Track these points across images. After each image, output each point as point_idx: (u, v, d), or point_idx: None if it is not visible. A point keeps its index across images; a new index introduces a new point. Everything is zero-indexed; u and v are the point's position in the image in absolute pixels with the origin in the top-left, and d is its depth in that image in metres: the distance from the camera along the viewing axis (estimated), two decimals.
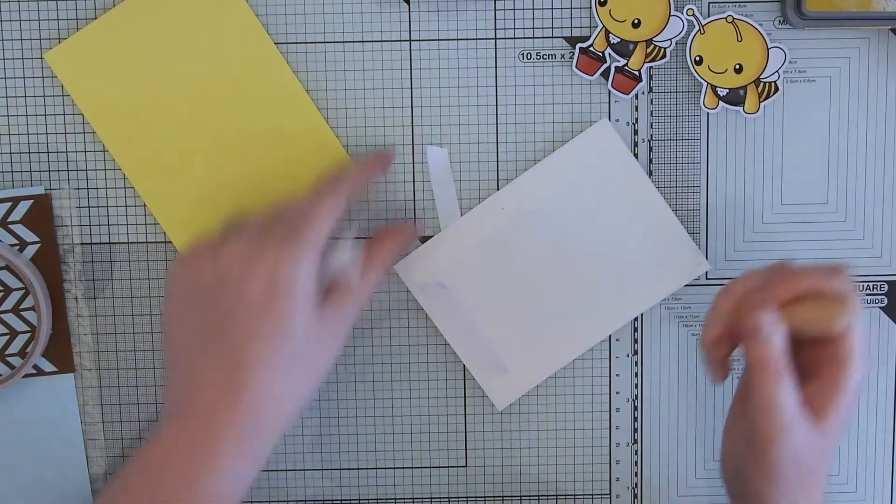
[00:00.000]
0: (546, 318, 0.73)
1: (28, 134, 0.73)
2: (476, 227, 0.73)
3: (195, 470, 0.62)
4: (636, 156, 0.73)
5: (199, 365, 0.64)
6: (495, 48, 0.72)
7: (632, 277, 0.73)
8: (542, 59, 0.72)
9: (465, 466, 0.76)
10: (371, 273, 0.68)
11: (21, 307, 0.73)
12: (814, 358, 0.64)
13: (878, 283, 0.74)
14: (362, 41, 0.72)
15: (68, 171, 0.73)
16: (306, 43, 0.72)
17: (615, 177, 0.72)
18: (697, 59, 0.71)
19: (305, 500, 0.76)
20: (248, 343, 0.63)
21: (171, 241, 0.73)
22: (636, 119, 0.73)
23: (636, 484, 0.76)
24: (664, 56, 0.71)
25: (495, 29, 0.72)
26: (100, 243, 0.73)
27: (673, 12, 0.71)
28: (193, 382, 0.64)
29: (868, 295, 0.74)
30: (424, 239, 0.73)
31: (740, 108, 0.72)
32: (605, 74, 0.72)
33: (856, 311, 0.62)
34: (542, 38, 0.72)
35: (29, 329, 0.73)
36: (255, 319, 0.63)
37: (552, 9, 0.72)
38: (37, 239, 0.73)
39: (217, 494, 0.62)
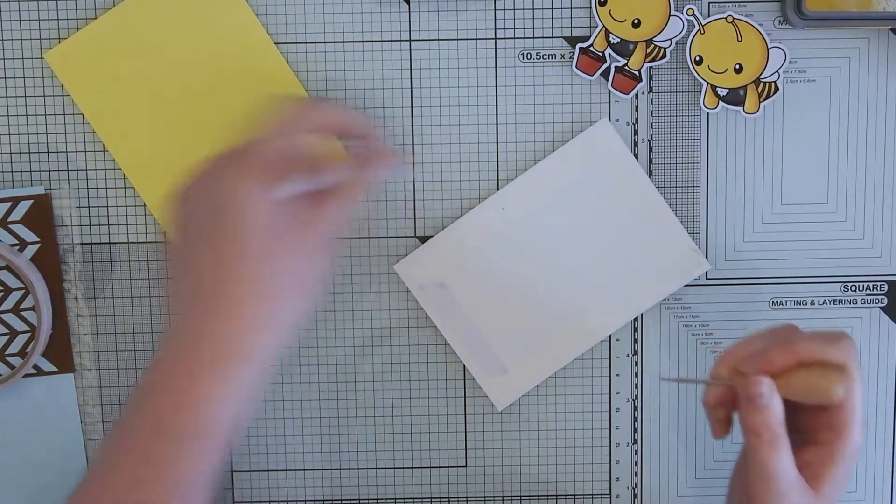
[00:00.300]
0: (546, 318, 0.73)
1: (28, 134, 0.73)
2: (476, 227, 0.73)
3: (184, 393, 0.61)
4: (636, 156, 0.73)
5: (184, 297, 0.63)
6: (495, 48, 0.72)
7: (631, 277, 0.73)
8: (542, 59, 0.72)
9: (465, 466, 0.76)
10: (355, 179, 0.66)
11: (21, 307, 0.73)
12: (812, 423, 0.63)
13: (878, 283, 0.74)
14: (362, 41, 0.72)
15: (68, 171, 0.73)
16: (306, 43, 0.72)
17: (615, 177, 0.72)
18: (697, 59, 0.71)
19: (305, 500, 0.76)
20: (220, 269, 0.62)
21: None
22: (636, 119, 0.73)
23: (636, 484, 0.76)
24: (664, 56, 0.71)
25: (495, 29, 0.72)
26: (100, 243, 0.73)
27: (673, 12, 0.71)
28: (182, 314, 0.63)
29: (868, 295, 0.74)
30: (424, 239, 0.73)
31: (740, 108, 0.72)
32: (605, 74, 0.72)
33: (855, 380, 0.62)
34: (542, 38, 0.72)
35: (29, 329, 0.73)
36: (219, 247, 0.62)
37: (552, 9, 0.72)
38: (37, 239, 0.73)
39: (207, 418, 0.62)
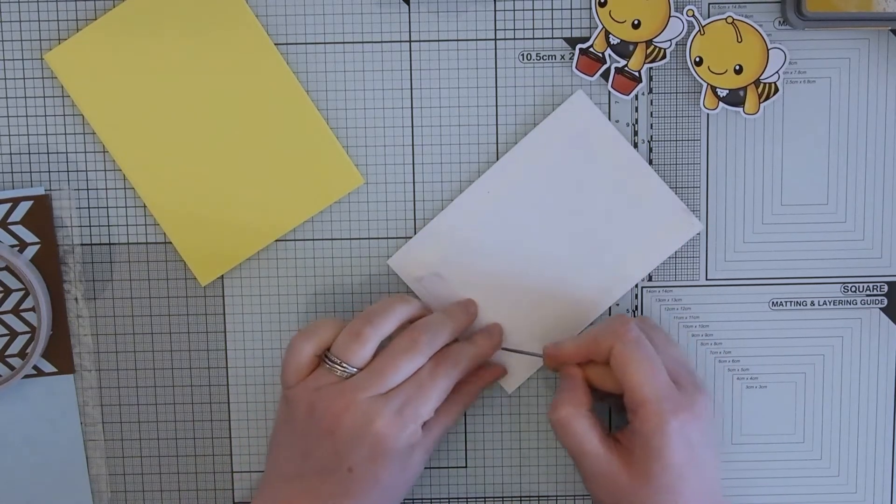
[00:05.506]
0: (545, 295, 0.73)
1: (28, 134, 0.73)
2: (464, 214, 0.73)
3: None
4: None
5: (297, 483, 0.67)
6: (495, 49, 0.72)
7: (627, 245, 0.73)
8: (542, 60, 0.72)
9: (465, 467, 0.76)
10: (455, 406, 0.71)
11: (21, 308, 0.73)
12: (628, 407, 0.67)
13: (878, 284, 0.74)
14: (362, 41, 0.72)
15: (68, 171, 0.73)
16: (306, 43, 0.72)
17: (597, 147, 0.72)
18: (697, 59, 0.71)
19: None
20: (346, 487, 0.66)
21: (171, 242, 0.73)
22: (636, 120, 0.73)
23: None
24: (664, 57, 0.71)
25: (495, 29, 0.72)
26: (100, 244, 0.73)
27: (673, 13, 0.71)
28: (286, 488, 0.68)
29: (868, 295, 0.74)
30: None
31: (740, 109, 0.72)
32: (605, 75, 0.72)
33: (629, 360, 0.66)
34: (542, 38, 0.72)
35: (29, 330, 0.73)
36: (355, 475, 0.66)
37: (552, 9, 0.72)
38: (37, 240, 0.73)
39: None
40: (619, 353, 0.66)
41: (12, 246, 0.73)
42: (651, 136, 0.73)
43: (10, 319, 0.73)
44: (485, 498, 0.76)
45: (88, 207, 0.73)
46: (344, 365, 0.67)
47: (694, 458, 0.65)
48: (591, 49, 0.72)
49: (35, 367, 0.74)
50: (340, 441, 0.66)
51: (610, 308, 0.74)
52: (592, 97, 0.72)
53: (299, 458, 0.67)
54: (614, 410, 0.74)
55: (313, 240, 0.74)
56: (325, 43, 0.72)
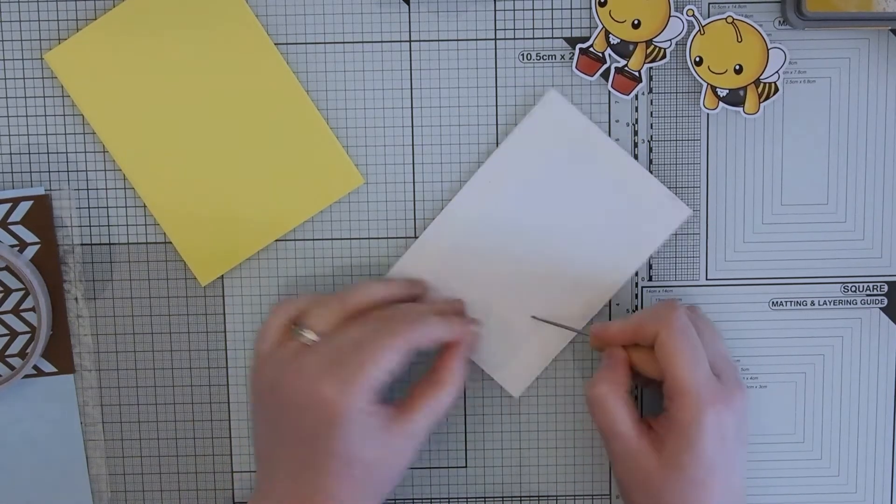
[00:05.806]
0: (544, 296, 0.73)
1: (28, 134, 0.73)
2: (460, 218, 0.73)
3: None
4: (636, 157, 0.73)
5: (277, 467, 0.66)
6: (495, 48, 0.72)
7: (619, 238, 0.73)
8: (542, 60, 0.72)
9: (465, 467, 0.76)
10: (437, 386, 0.68)
11: (21, 308, 0.73)
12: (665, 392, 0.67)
13: (878, 284, 0.74)
14: (362, 41, 0.72)
15: (68, 171, 0.73)
16: (306, 43, 0.72)
17: (577, 144, 0.72)
18: (697, 59, 0.71)
19: None
20: (314, 462, 0.65)
21: (171, 242, 0.73)
22: (636, 120, 0.73)
23: None
24: (664, 57, 0.71)
25: (495, 29, 0.72)
26: (100, 244, 0.73)
27: (673, 13, 0.71)
28: (271, 480, 0.66)
29: (868, 295, 0.74)
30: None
31: (740, 109, 0.72)
32: (605, 75, 0.72)
33: (671, 351, 0.65)
34: (542, 38, 0.72)
35: (29, 330, 0.73)
36: (312, 442, 0.64)
37: (552, 9, 0.72)
38: (37, 239, 0.73)
39: None
40: (664, 340, 0.66)
41: (12, 246, 0.73)
42: (651, 136, 0.73)
43: (10, 319, 0.73)
44: (485, 498, 0.76)
45: (88, 207, 0.73)
46: (305, 330, 0.67)
47: (725, 453, 0.65)
48: (591, 49, 0.72)
49: (35, 367, 0.74)
50: (295, 410, 0.65)
51: (610, 308, 0.74)
52: (592, 97, 0.72)
53: (276, 443, 0.66)
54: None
55: (313, 240, 0.74)
56: (325, 43, 0.72)
